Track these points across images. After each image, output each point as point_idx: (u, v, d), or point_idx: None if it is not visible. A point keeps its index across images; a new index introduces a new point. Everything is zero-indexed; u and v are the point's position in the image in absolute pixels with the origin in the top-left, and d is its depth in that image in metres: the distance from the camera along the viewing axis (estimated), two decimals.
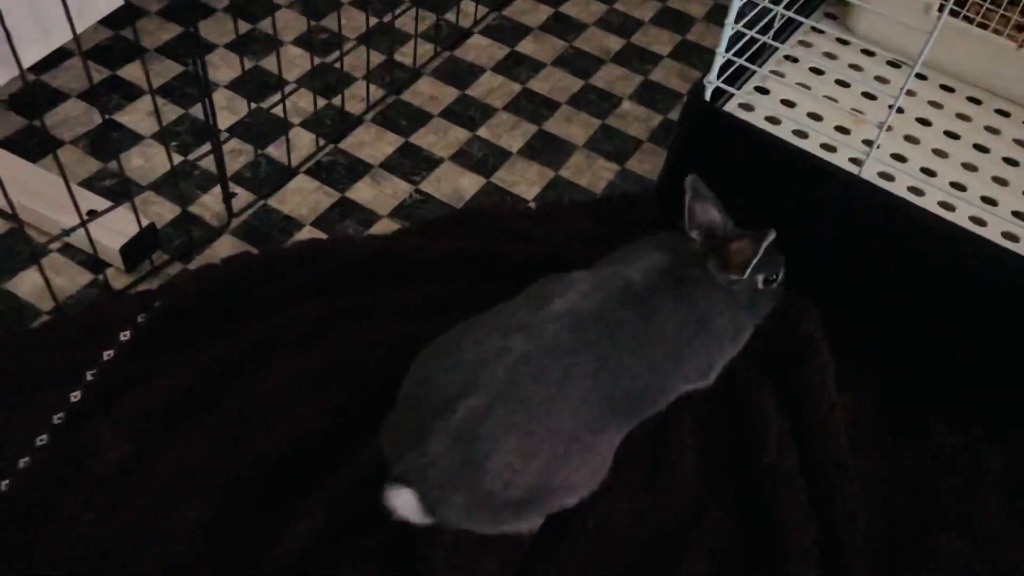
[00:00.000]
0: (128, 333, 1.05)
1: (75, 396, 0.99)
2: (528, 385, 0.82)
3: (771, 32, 1.17)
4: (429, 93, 1.48)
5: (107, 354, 1.03)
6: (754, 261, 0.92)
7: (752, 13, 1.07)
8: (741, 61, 1.07)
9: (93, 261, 1.16)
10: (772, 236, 0.91)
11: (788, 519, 0.93)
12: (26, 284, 1.14)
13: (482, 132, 1.43)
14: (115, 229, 1.14)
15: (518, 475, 0.81)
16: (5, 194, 0.96)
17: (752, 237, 0.92)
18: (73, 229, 1.05)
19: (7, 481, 0.92)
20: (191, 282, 1.11)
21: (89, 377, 1.01)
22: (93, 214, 1.13)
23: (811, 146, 1.07)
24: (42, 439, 0.96)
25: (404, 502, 0.81)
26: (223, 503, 0.92)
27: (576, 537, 0.92)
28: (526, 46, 1.59)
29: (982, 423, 1.06)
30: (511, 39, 1.60)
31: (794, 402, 1.04)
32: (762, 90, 1.16)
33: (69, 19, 0.97)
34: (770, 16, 1.09)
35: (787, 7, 1.19)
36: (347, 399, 1.00)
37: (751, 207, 1.04)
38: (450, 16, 1.60)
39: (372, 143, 1.38)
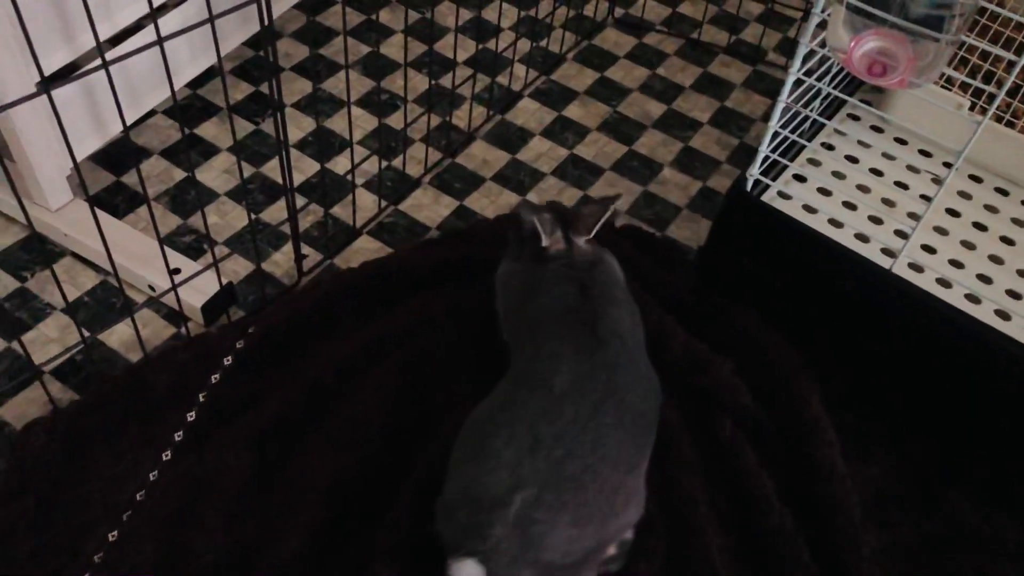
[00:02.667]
0: (230, 358, 1.17)
1: (191, 416, 1.12)
2: (568, 463, 0.90)
3: (809, 122, 1.26)
4: (482, 157, 1.57)
5: (214, 378, 1.15)
6: (601, 221, 1.08)
7: (791, 112, 1.15)
8: (780, 159, 1.15)
9: (175, 315, 1.26)
10: (617, 201, 1.10)
11: None
12: (114, 336, 1.24)
13: (531, 197, 1.52)
14: (197, 287, 1.23)
15: (577, 542, 0.90)
16: (109, 256, 1.05)
17: (598, 203, 1.10)
18: (165, 292, 1.15)
19: (142, 492, 1.04)
20: (280, 309, 1.23)
21: (201, 399, 1.13)
22: (177, 272, 1.23)
23: (845, 236, 1.15)
24: (166, 455, 1.08)
25: (470, 574, 0.89)
26: (334, 508, 1.04)
27: None
28: (573, 111, 1.68)
29: (999, 498, 1.13)
30: (559, 103, 1.69)
31: (805, 479, 1.11)
32: (800, 178, 1.24)
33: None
34: (804, 115, 1.17)
35: (823, 100, 1.28)
36: (422, 407, 1.14)
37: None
38: (502, 79, 1.69)
39: (429, 205, 1.48)
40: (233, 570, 0.99)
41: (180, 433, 1.10)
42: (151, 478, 1.06)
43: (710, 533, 1.06)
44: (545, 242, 1.07)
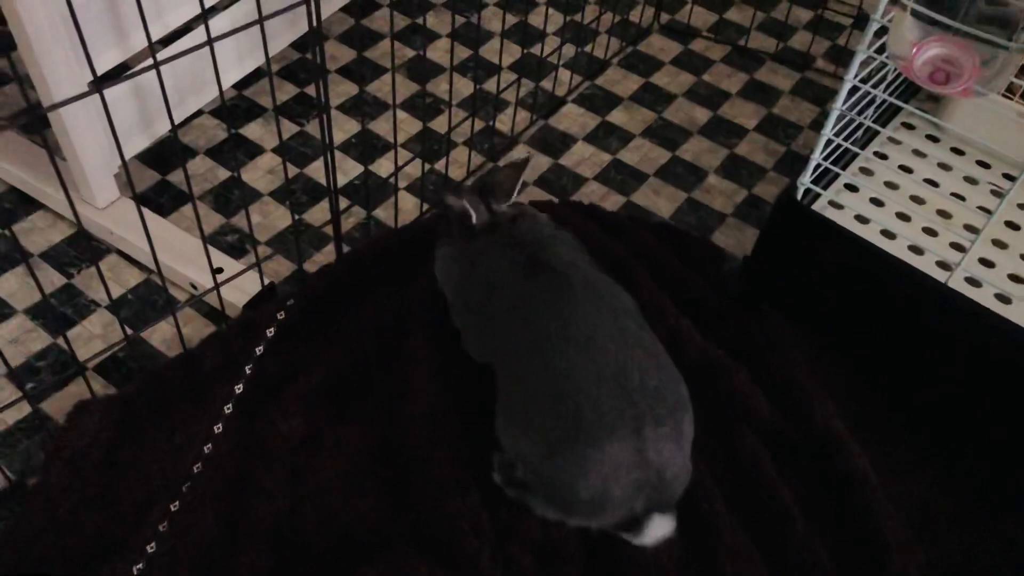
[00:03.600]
0: (272, 329, 1.19)
1: (239, 389, 1.14)
2: (629, 374, 0.94)
3: (862, 130, 1.23)
4: None
5: (258, 350, 1.17)
6: (519, 183, 1.11)
7: (845, 120, 1.12)
8: (832, 168, 1.12)
9: (216, 314, 1.27)
10: (528, 160, 1.13)
11: None
12: (156, 334, 1.24)
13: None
14: (238, 287, 1.24)
15: (680, 447, 0.94)
16: (154, 254, 1.06)
17: (510, 167, 1.13)
18: (207, 292, 1.16)
19: (199, 464, 1.06)
20: (317, 279, 1.26)
21: (248, 371, 1.15)
22: (220, 271, 1.24)
23: (898, 248, 1.12)
24: (218, 427, 1.10)
25: (667, 524, 0.94)
26: (389, 468, 1.08)
27: None
28: (617, 116, 1.67)
29: None
30: (602, 108, 1.68)
31: (831, 488, 1.10)
32: (851, 187, 1.21)
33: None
34: (858, 123, 1.14)
35: (877, 108, 1.25)
36: (464, 379, 1.15)
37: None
38: (546, 84, 1.68)
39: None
40: (295, 533, 1.01)
41: (229, 406, 1.12)
42: (206, 451, 1.08)
43: (730, 539, 1.04)
44: (475, 220, 1.10)
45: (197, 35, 1.31)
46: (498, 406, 1.02)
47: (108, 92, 0.90)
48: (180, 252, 1.28)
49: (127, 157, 1.23)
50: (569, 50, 1.72)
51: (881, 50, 1.00)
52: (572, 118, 1.65)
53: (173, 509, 1.02)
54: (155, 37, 1.24)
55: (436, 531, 1.01)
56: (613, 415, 0.90)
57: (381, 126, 1.58)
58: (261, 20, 0.98)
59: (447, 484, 1.04)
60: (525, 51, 1.74)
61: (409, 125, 1.59)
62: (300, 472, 1.06)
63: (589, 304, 0.98)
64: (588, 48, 1.75)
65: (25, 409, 1.14)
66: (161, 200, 1.41)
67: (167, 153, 1.47)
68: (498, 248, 1.08)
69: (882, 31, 0.97)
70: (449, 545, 0.99)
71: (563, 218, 1.38)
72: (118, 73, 1.22)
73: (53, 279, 1.29)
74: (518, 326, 1.00)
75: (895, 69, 1.13)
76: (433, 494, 1.04)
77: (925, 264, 1.11)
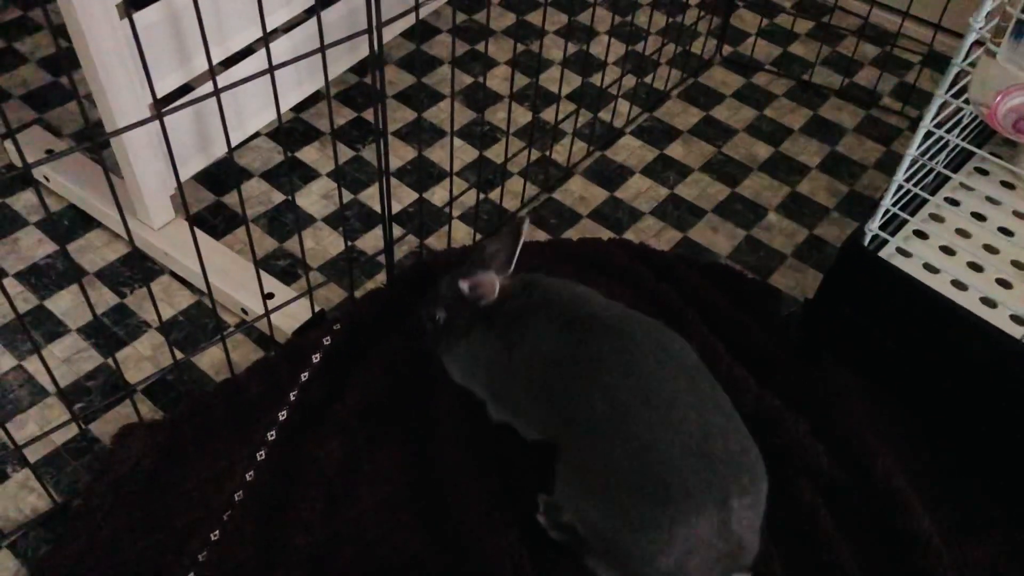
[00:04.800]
0: (319, 355, 1.18)
1: (282, 415, 1.13)
2: (711, 439, 0.90)
3: (933, 175, 1.18)
4: (579, 193, 1.54)
5: (304, 376, 1.16)
6: (517, 251, 1.06)
7: (917, 164, 1.08)
8: (902, 214, 1.08)
9: (265, 339, 1.26)
10: (525, 222, 1.06)
11: None
12: (205, 358, 1.24)
13: (628, 236, 1.47)
14: (288, 313, 1.23)
15: (758, 503, 0.91)
16: (206, 278, 1.06)
17: (504, 235, 1.06)
18: (258, 318, 1.15)
19: (240, 492, 1.06)
20: (363, 305, 1.26)
21: (292, 397, 1.14)
22: (271, 296, 1.23)
23: (970, 300, 1.07)
24: (260, 454, 1.09)
25: None
26: (426, 501, 1.07)
27: None
28: (675, 149, 1.64)
29: None
30: (661, 141, 1.65)
31: (893, 550, 1.05)
32: (921, 234, 1.16)
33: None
34: (930, 168, 1.10)
35: (949, 152, 1.20)
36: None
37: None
38: (604, 115, 1.66)
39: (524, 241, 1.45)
40: (332, 565, 1.00)
41: (273, 433, 1.11)
42: (248, 478, 1.07)
43: None
44: (492, 297, 1.03)
45: (258, 57, 1.32)
46: (561, 473, 0.97)
47: (167, 115, 0.90)
48: (232, 276, 1.28)
49: (184, 178, 1.24)
50: (629, 81, 1.70)
51: (957, 93, 0.96)
52: (629, 150, 1.62)
53: (213, 538, 1.01)
54: (216, 59, 1.25)
55: (476, 568, 0.98)
56: (700, 490, 0.86)
57: (437, 153, 1.57)
58: (323, 48, 0.97)
59: (487, 519, 1.02)
60: (585, 80, 1.72)
61: (465, 153, 1.58)
62: (337, 500, 1.05)
63: (660, 365, 0.93)
64: (648, 79, 1.73)
65: (74, 430, 1.14)
66: (215, 222, 1.42)
67: (223, 174, 1.48)
68: (533, 322, 1.01)
69: (959, 75, 0.93)
70: None
71: (609, 257, 1.36)
72: (179, 94, 1.23)
73: (107, 298, 1.30)
74: (590, 396, 0.93)
75: (971, 112, 1.08)
76: (473, 530, 1.02)
77: (998, 318, 1.06)
